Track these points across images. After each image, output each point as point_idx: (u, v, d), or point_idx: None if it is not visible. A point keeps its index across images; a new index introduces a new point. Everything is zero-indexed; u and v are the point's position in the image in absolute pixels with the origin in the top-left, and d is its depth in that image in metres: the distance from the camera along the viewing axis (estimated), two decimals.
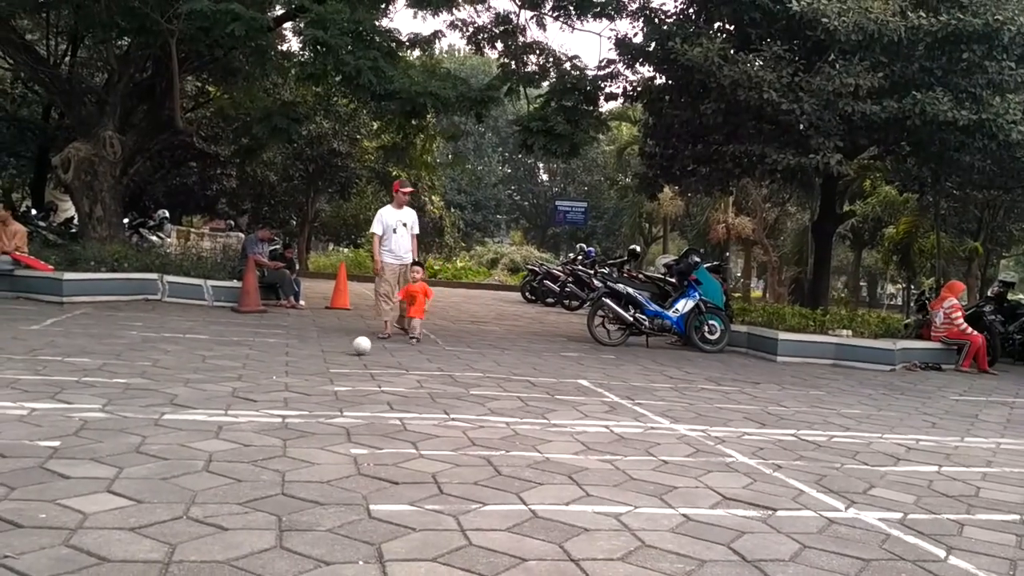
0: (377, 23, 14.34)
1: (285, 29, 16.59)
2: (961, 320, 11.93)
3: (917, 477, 4.81)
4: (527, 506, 3.58)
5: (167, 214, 20.83)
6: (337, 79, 13.85)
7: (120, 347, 7.28)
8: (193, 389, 5.64)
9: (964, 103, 11.19)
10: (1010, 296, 16.01)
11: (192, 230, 23.35)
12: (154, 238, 18.36)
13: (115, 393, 5.27)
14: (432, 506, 3.48)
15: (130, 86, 14.59)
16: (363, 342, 8.15)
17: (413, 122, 16.53)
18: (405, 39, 15.90)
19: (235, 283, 12.32)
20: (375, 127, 22.96)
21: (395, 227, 9.90)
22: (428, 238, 36.03)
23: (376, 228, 10.01)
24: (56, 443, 4.01)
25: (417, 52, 16.90)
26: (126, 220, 17.24)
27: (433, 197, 34.98)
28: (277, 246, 15.03)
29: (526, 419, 5.55)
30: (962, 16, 10.90)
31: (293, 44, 18.52)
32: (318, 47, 12.25)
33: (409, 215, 10.16)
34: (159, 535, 2.93)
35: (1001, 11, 10.88)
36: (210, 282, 12.40)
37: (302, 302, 13.36)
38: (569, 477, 4.14)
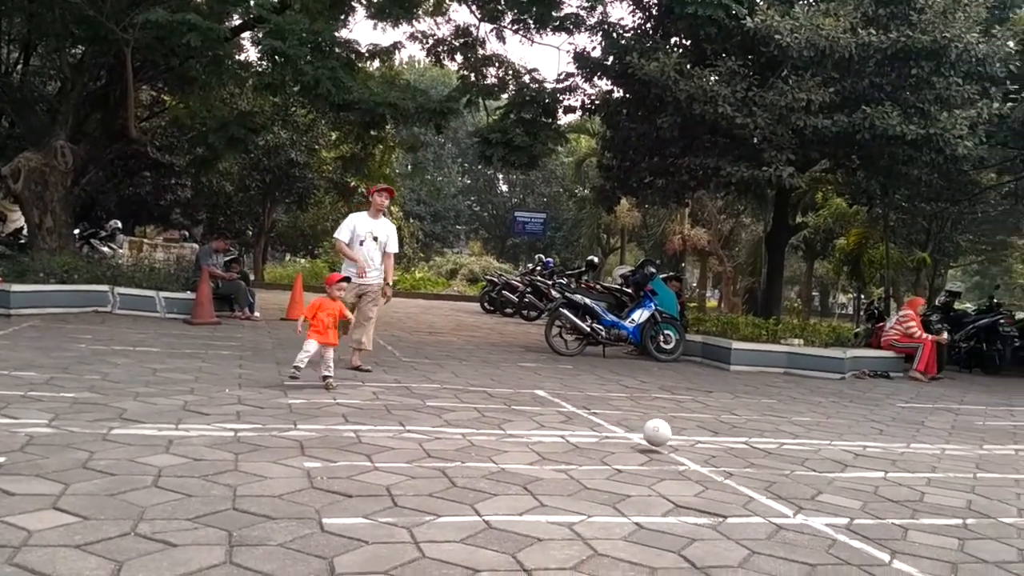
0: (336, 34, 14.32)
1: (243, 39, 16.46)
2: (914, 328, 12.25)
3: (864, 483, 4.92)
4: (481, 517, 3.60)
5: (119, 225, 20.44)
6: (295, 89, 13.80)
7: (68, 360, 7.14)
8: (143, 403, 5.55)
9: (912, 118, 11.48)
10: (956, 305, 16.47)
11: (145, 241, 22.99)
12: (105, 249, 18.01)
13: (62, 408, 5.17)
14: (386, 519, 3.48)
15: (83, 95, 14.35)
16: (661, 431, 5.41)
17: (372, 133, 16.52)
18: (364, 50, 15.89)
19: (188, 295, 12.14)
20: (334, 137, 22.85)
21: (363, 238, 8.02)
22: None
23: (342, 234, 8.12)
24: (0, 459, 3.92)
25: (377, 63, 16.89)
26: (77, 231, 16.89)
27: (392, 208, 34.82)
28: (232, 256, 14.84)
29: (482, 430, 5.57)
30: (911, 33, 11.19)
31: (251, 54, 18.39)
32: (276, 57, 12.19)
33: (384, 228, 8.22)
34: (106, 552, 2.89)
35: (949, 29, 11.20)
36: (163, 294, 12.20)
37: (257, 313, 13.21)
38: (524, 487, 4.16)
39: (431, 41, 15.92)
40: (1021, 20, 12.21)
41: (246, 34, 15.81)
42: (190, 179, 24.37)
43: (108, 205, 24.00)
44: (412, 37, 15.98)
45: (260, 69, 13.97)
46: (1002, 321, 14.20)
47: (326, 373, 6.74)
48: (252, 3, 12.93)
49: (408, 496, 3.83)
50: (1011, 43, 12.01)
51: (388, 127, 16.74)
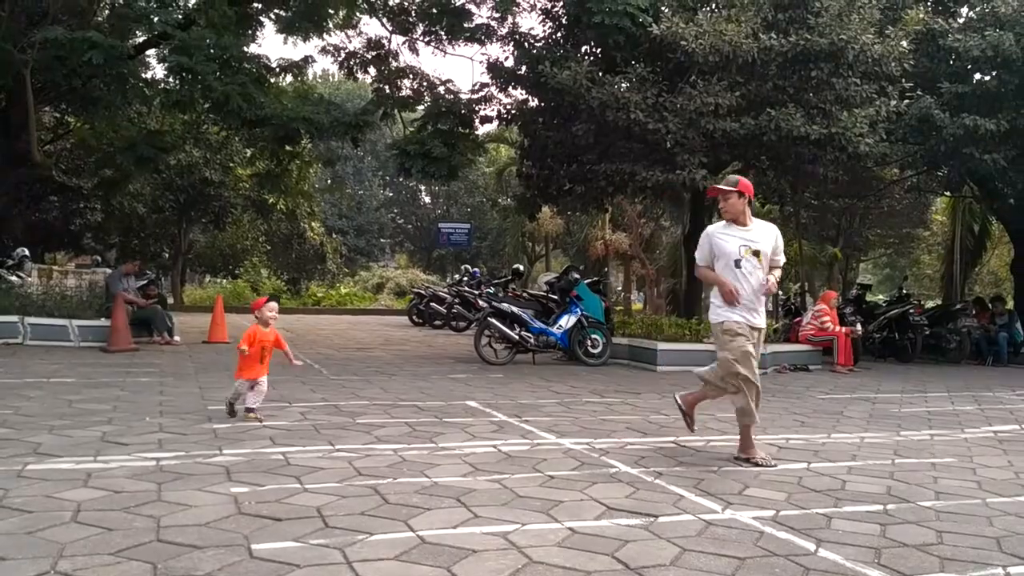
0: (245, 49, 14.10)
1: (148, 56, 16.04)
2: (827, 321, 12.71)
3: (788, 475, 5.07)
4: (415, 532, 3.57)
5: (27, 252, 19.59)
6: (205, 106, 13.51)
7: None
8: (59, 436, 5.33)
9: (815, 118, 11.93)
10: (868, 297, 17.15)
11: (55, 268, 22.06)
12: (13, 278, 17.22)
13: None
14: (317, 540, 3.42)
15: None
16: None
17: (287, 148, 16.30)
18: (275, 65, 15.69)
19: (104, 322, 11.73)
20: (248, 154, 22.45)
21: (738, 256, 5.42)
22: (309, 265, 35.38)
23: (700, 256, 5.67)
24: None
25: (289, 78, 16.68)
26: None
27: (313, 224, 34.37)
28: (148, 280, 14.38)
29: (414, 444, 5.53)
30: (809, 36, 11.65)
31: (158, 71, 17.93)
32: (183, 74, 11.94)
33: (765, 232, 5.60)
34: None
35: (845, 31, 11.69)
36: (76, 322, 11.77)
37: (177, 338, 12.85)
38: (457, 500, 4.15)
39: (343, 54, 15.83)
40: (913, 20, 12.81)
41: (151, 51, 15.42)
42: (100, 202, 23.59)
43: (14, 232, 22.98)
44: (324, 51, 15.87)
45: (167, 86, 13.62)
46: (912, 311, 14.83)
47: (251, 404, 6.15)
48: (156, 19, 12.63)
49: (340, 516, 3.78)
50: (904, 42, 12.59)
51: (303, 142, 16.54)
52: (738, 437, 5.60)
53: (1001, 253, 26.51)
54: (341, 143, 18.48)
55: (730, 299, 5.38)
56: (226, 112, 12.54)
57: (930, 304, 19.93)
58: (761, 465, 5.31)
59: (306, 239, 34.27)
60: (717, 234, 5.61)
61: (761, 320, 5.54)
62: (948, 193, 21.52)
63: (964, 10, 15.50)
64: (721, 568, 3.28)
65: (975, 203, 21.14)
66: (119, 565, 3.07)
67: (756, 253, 5.46)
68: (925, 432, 6.97)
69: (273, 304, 6.49)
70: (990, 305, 16.09)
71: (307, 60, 16.27)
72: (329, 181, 42.16)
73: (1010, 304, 16.70)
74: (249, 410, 6.15)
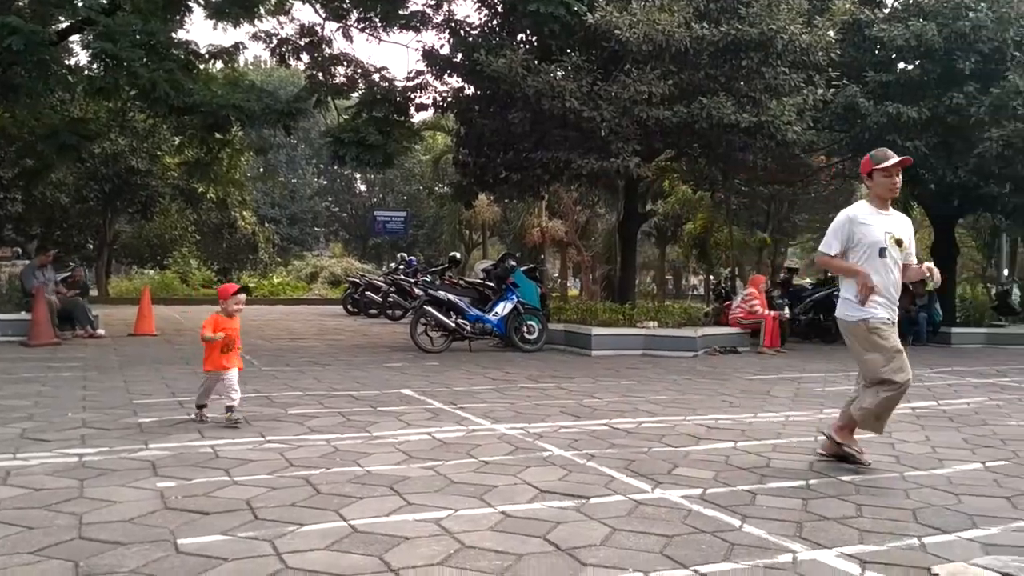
0: (172, 35, 13.71)
1: (72, 42, 15.45)
2: (756, 305, 13.02)
3: (716, 454, 5.20)
4: (347, 522, 3.56)
5: None
6: (131, 93, 13.11)
7: None
8: None
9: (745, 107, 12.18)
10: (795, 281, 17.62)
11: None
12: None
13: None
14: (246, 533, 3.38)
15: None
16: None
17: (217, 136, 15.92)
18: (204, 51, 15.29)
19: (24, 315, 11.32)
20: (177, 142, 21.86)
21: (884, 245, 4.85)
22: (241, 255, 34.70)
23: (832, 244, 4.96)
24: None
25: (219, 64, 16.28)
26: None
27: (244, 213, 33.68)
28: (69, 271, 13.91)
29: (347, 434, 5.50)
30: (740, 26, 11.87)
31: (82, 58, 17.29)
32: (108, 60, 11.54)
33: (903, 221, 5.11)
34: None
35: (774, 21, 11.94)
36: None
37: (102, 331, 12.48)
38: (391, 488, 4.14)
39: (275, 41, 15.51)
40: (839, 10, 13.15)
41: (75, 37, 14.85)
42: (20, 192, 22.70)
43: None
44: (255, 37, 15.52)
45: (91, 73, 13.15)
46: (836, 293, 15.20)
47: (229, 403, 5.70)
48: (79, 4, 12.17)
49: (270, 508, 3.74)
50: (831, 32, 12.92)
51: (234, 130, 16.18)
52: (670, 418, 5.69)
53: (922, 237, 27.43)
54: (273, 131, 18.12)
55: (869, 293, 4.74)
56: (153, 99, 12.18)
57: None
58: (858, 460, 4.88)
59: (237, 228, 33.59)
60: (861, 218, 4.90)
61: (896, 315, 4.96)
62: None
63: (889, 0, 15.97)
64: (649, 546, 3.35)
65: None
66: (39, 564, 2.99)
67: (899, 242, 4.91)
68: None
69: (241, 296, 6.06)
70: (911, 287, 16.67)
71: (238, 47, 15.89)
72: (261, 169, 41.32)
73: (931, 286, 17.33)
74: (229, 408, 5.69)
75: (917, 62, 14.22)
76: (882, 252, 4.81)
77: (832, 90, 13.44)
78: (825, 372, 10.33)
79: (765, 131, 12.23)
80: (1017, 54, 13.22)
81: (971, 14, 13.12)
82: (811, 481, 4.52)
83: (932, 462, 5.09)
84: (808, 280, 21.42)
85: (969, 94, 13.17)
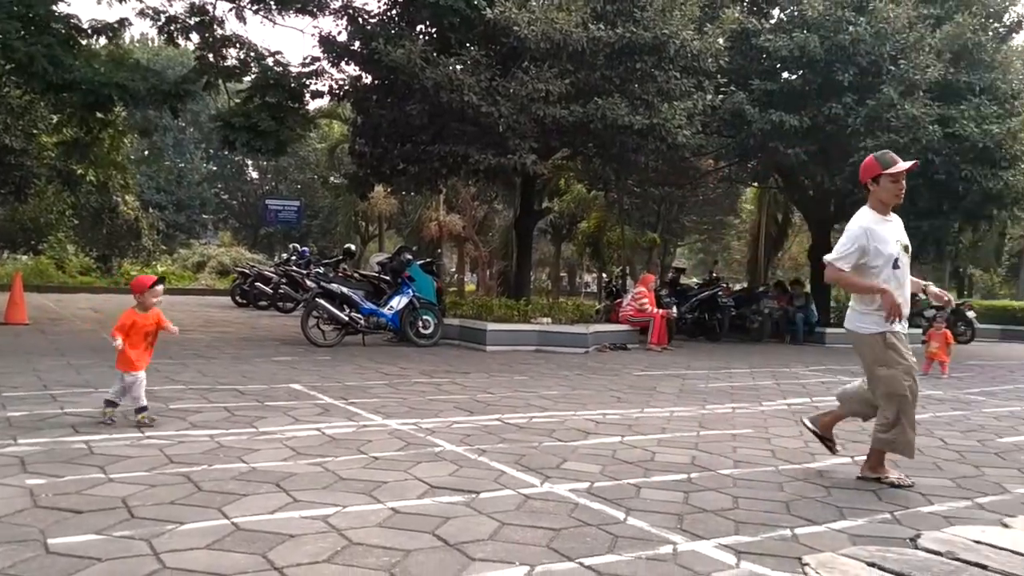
0: (53, 7, 12.93)
1: None
2: (646, 303, 13.39)
3: (603, 448, 5.32)
4: (229, 520, 3.46)
5: None
6: (7, 68, 12.32)
7: None
8: None
9: (639, 109, 12.49)
10: (683, 280, 18.21)
11: None
12: None
13: None
14: (122, 532, 3.24)
15: None
16: None
17: (98, 115, 15.12)
18: (87, 26, 14.49)
19: None
20: (55, 121, 20.62)
21: (897, 255, 4.61)
22: (122, 241, 33.14)
23: (848, 255, 4.59)
24: None
25: (103, 41, 15.45)
26: None
27: (127, 197, 32.14)
28: None
29: (232, 430, 5.34)
30: (635, 29, 12.16)
31: None
32: None
33: (901, 229, 4.82)
34: None
35: (667, 26, 12.29)
36: None
37: None
38: (276, 485, 4.05)
39: (163, 19, 14.84)
40: (729, 19, 13.63)
41: None
42: None
43: None
44: (142, 14, 14.81)
45: None
46: (720, 293, 15.90)
47: (142, 404, 5.35)
48: None
49: (147, 506, 3.59)
50: (721, 40, 13.39)
51: (117, 109, 15.42)
52: (561, 413, 5.77)
53: (801, 240, 28.87)
54: (159, 112, 17.37)
55: (896, 313, 4.44)
56: (30, 75, 11.49)
57: (737, 287, 21.43)
58: (899, 486, 4.57)
59: (119, 213, 32.00)
60: (875, 227, 4.57)
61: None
62: (756, 184, 23.19)
63: (776, 11, 16.65)
64: (536, 540, 3.40)
65: (779, 194, 22.88)
66: None
67: (906, 248, 4.67)
68: (728, 405, 7.51)
69: (159, 288, 5.64)
70: (789, 288, 17.51)
71: (123, 23, 15.10)
72: (146, 152, 39.55)
73: (807, 287, 18.24)
74: (141, 410, 5.33)
75: (800, 72, 14.90)
76: (896, 263, 4.57)
77: (720, 96, 13.95)
78: (709, 369, 10.71)
79: (657, 133, 12.58)
80: (892, 68, 14.02)
81: (851, 28, 13.84)
82: (692, 475, 4.68)
83: (805, 456, 5.36)
84: (695, 280, 22.17)
85: (847, 105, 13.90)
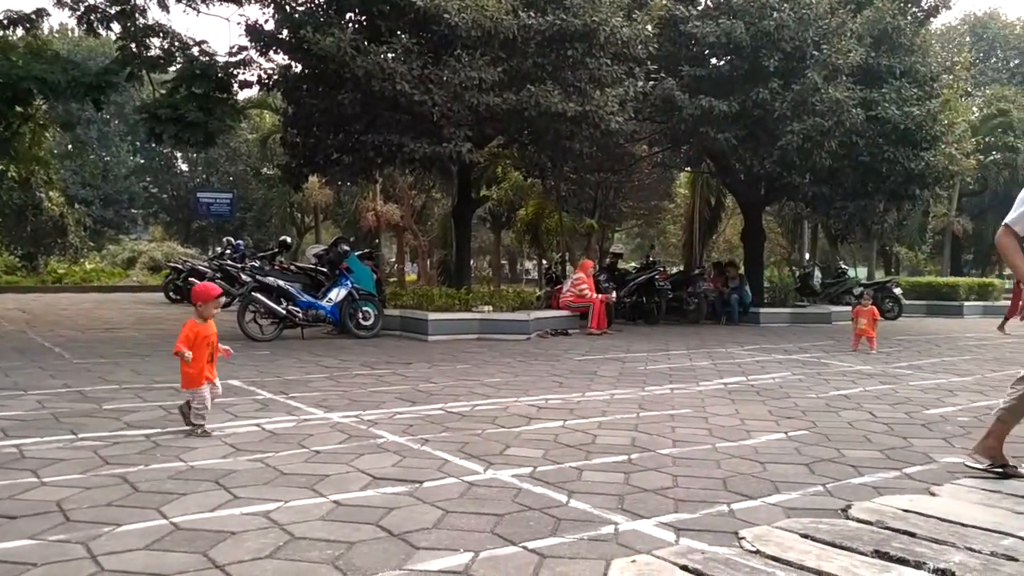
0: None
1: None
2: (585, 288, 13.53)
3: (546, 433, 5.38)
4: (168, 520, 3.41)
5: None
6: None
7: None
8: None
9: (571, 96, 12.54)
10: (621, 265, 18.42)
11: None
12: None
13: None
14: (57, 536, 3.18)
15: None
16: None
17: (17, 109, 14.56)
18: (2, 16, 13.94)
19: None
20: None
21: None
22: (48, 239, 32.01)
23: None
24: None
25: (20, 32, 14.87)
26: None
27: (51, 193, 31.05)
28: None
29: (169, 428, 5.25)
30: (565, 17, 12.20)
31: None
32: None
33: None
34: None
35: (596, 13, 12.36)
36: None
37: None
38: (216, 482, 4.00)
39: (82, 8, 14.33)
40: (657, 6, 13.78)
41: None
42: None
43: None
44: (60, 3, 14.27)
45: None
46: (657, 277, 16.13)
47: (198, 418, 5.14)
48: None
49: (83, 509, 3.52)
50: (649, 27, 13.52)
51: (37, 103, 14.88)
52: (503, 400, 5.80)
53: (734, 223, 29.39)
54: (82, 105, 16.81)
55: None
56: None
57: (674, 271, 21.79)
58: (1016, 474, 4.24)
59: (43, 210, 30.89)
60: None
61: None
62: (689, 168, 23.54)
63: None
64: (481, 526, 3.44)
65: (712, 178, 23.28)
66: None
67: None
68: (667, 387, 7.66)
69: (221, 299, 5.43)
70: (726, 271, 17.87)
71: (40, 13, 14.55)
72: (69, 146, 38.21)
73: (741, 269, 18.65)
74: (197, 424, 5.14)
75: (727, 58, 15.15)
76: None
77: (651, 83, 14.10)
78: (648, 352, 10.88)
79: (590, 120, 12.66)
80: (816, 53, 14.35)
81: (775, 14, 14.12)
82: (633, 456, 4.77)
83: (741, 434, 5.51)
84: (633, 264, 22.45)
85: (773, 90, 14.19)
